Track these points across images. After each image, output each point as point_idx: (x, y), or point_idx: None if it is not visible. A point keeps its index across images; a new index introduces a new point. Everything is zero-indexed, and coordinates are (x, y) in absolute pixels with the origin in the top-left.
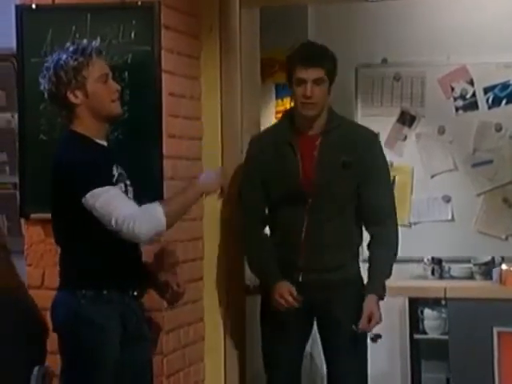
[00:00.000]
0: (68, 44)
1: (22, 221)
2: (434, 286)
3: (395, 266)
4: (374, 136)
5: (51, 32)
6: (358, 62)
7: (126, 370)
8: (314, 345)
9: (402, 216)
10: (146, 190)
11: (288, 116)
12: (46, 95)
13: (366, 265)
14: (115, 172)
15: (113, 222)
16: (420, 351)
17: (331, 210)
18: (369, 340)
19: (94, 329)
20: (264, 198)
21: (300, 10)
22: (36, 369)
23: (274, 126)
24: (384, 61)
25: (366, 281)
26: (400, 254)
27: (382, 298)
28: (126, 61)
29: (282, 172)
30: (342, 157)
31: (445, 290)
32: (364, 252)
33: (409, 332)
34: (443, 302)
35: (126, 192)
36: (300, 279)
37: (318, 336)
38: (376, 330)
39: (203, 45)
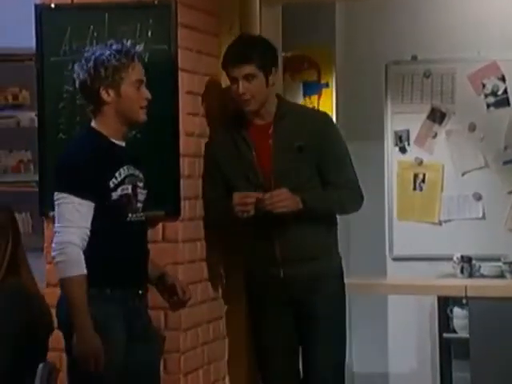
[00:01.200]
0: (111, 41)
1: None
2: (455, 285)
3: (423, 264)
4: (325, 115)
5: (70, 31)
6: (388, 59)
7: (131, 370)
8: None
9: (432, 214)
10: (163, 188)
11: (238, 109)
12: (77, 84)
13: None
14: (123, 173)
15: (56, 229)
16: (451, 350)
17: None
18: None
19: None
20: (226, 194)
21: (328, 7)
22: (41, 366)
23: (228, 121)
24: (414, 58)
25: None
26: (429, 251)
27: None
28: (143, 60)
29: (240, 166)
30: (296, 142)
31: (465, 288)
32: (394, 251)
33: (438, 331)
34: (464, 301)
35: (134, 194)
36: (281, 274)
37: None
38: (407, 326)
39: (223, 43)
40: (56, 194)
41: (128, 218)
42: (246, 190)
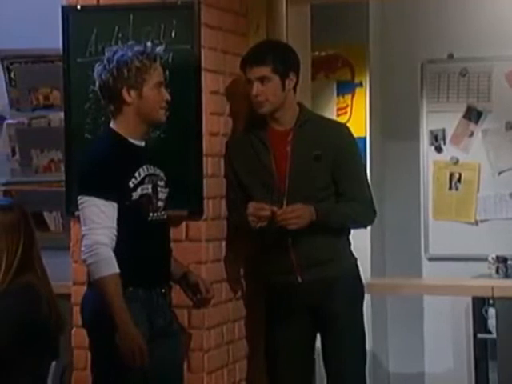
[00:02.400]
0: (132, 42)
1: None
2: (482, 285)
3: (459, 264)
4: (343, 126)
5: (95, 32)
6: (424, 58)
7: (155, 367)
8: (377, 344)
9: (468, 213)
10: (187, 188)
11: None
12: (97, 84)
13: None
14: (142, 173)
15: (84, 232)
16: (487, 351)
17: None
18: None
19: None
20: (244, 198)
21: (362, 5)
22: (53, 364)
23: (248, 125)
24: (450, 56)
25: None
26: (465, 251)
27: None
28: (167, 60)
29: (256, 169)
30: (313, 150)
31: (492, 289)
32: (430, 251)
33: (472, 331)
34: (491, 302)
35: (154, 193)
36: (299, 280)
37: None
38: (443, 325)
39: (250, 43)
40: (79, 197)
41: (149, 218)
42: (260, 193)
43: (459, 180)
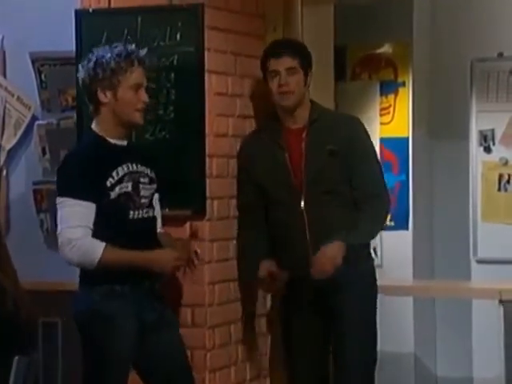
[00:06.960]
0: (116, 44)
1: None
2: (489, 288)
3: (508, 267)
4: (355, 120)
5: (106, 35)
6: (473, 57)
7: (154, 360)
8: (424, 347)
9: None
10: (190, 188)
11: (272, 114)
12: (79, 83)
13: None
14: (121, 172)
15: (58, 232)
16: None
17: (327, 199)
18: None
19: (105, 324)
20: (259, 199)
21: (406, 3)
22: (16, 359)
23: (261, 125)
24: (500, 55)
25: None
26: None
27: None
28: (172, 62)
29: (272, 168)
30: (327, 146)
31: (500, 292)
32: (479, 253)
33: None
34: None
35: (135, 191)
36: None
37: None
38: (491, 329)
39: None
40: (57, 198)
41: (130, 216)
42: (277, 191)
43: (508, 181)
